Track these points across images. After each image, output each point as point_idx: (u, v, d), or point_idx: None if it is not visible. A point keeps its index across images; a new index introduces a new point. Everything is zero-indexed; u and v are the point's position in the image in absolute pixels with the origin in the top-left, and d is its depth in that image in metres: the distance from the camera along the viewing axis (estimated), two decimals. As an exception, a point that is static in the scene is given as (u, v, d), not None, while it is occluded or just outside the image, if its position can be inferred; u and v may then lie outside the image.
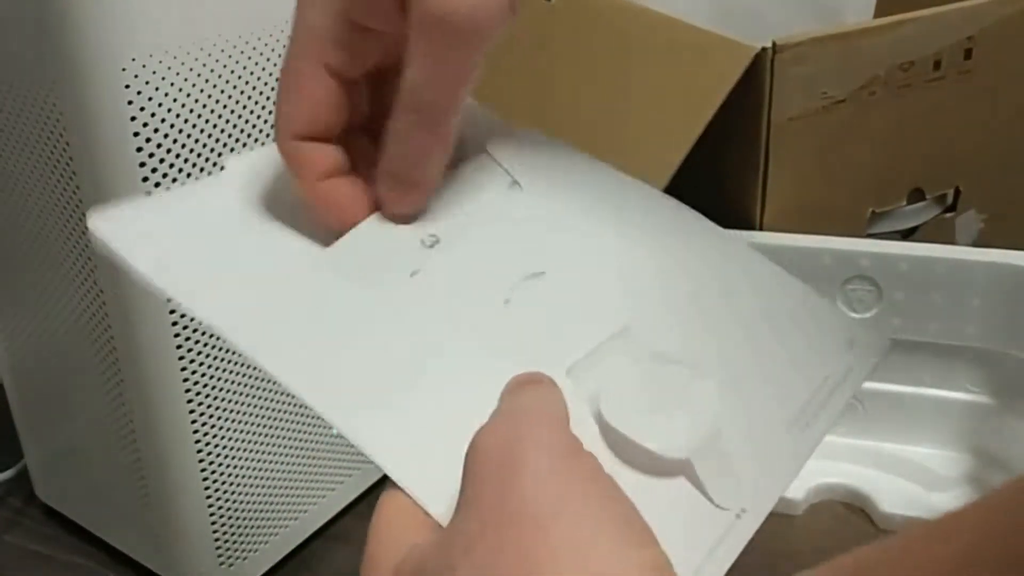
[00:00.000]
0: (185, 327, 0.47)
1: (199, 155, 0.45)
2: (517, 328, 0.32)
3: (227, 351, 0.49)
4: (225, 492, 0.52)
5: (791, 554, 0.57)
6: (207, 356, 0.48)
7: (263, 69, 0.46)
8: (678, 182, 0.63)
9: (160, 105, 0.43)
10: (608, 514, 0.25)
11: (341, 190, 0.33)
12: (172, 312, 0.46)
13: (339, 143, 0.34)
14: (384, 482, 0.29)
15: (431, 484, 0.28)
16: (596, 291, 0.34)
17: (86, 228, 0.45)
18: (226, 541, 0.53)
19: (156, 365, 0.47)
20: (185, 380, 0.48)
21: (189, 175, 0.45)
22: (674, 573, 0.25)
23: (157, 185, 0.44)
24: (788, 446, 0.31)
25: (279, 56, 0.47)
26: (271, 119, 0.48)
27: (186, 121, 0.44)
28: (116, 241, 0.32)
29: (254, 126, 0.47)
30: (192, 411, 0.49)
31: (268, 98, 0.47)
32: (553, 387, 0.29)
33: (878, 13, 0.82)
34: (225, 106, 0.45)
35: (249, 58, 0.46)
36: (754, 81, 0.61)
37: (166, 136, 0.43)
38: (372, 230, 0.34)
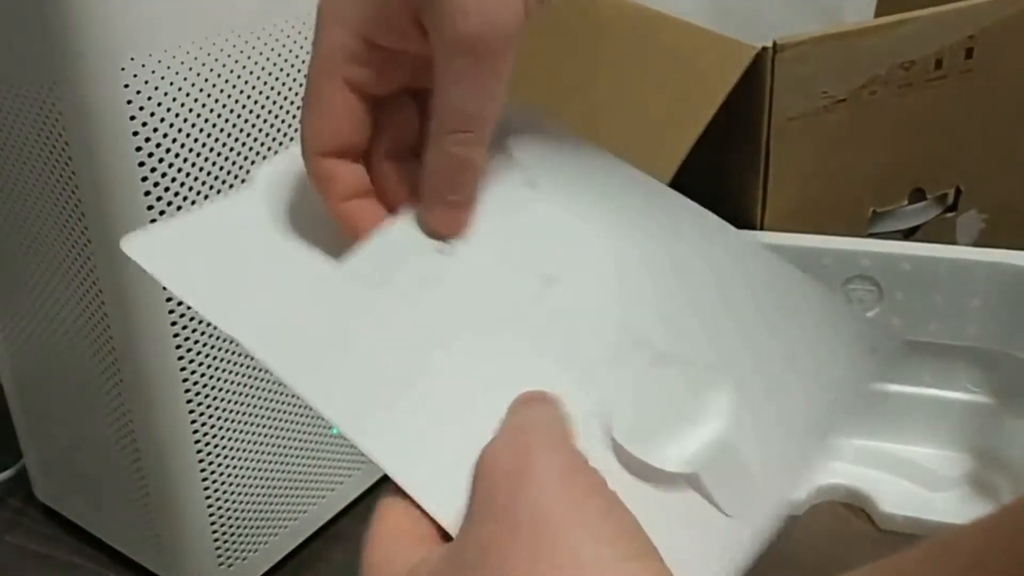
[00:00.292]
0: (184, 327, 0.47)
1: (198, 154, 0.45)
2: (529, 336, 0.32)
3: (226, 351, 0.49)
4: (225, 492, 0.52)
5: (791, 554, 0.57)
6: (206, 356, 0.48)
7: (263, 68, 0.46)
8: (679, 182, 0.63)
9: (159, 105, 0.43)
10: (611, 526, 0.26)
11: (364, 211, 0.33)
12: (171, 312, 0.46)
13: (393, 165, 0.34)
14: (383, 484, 0.29)
15: (441, 494, 0.28)
16: (610, 297, 0.33)
17: (86, 228, 0.45)
18: (226, 541, 0.53)
19: (155, 366, 0.47)
20: (184, 380, 0.48)
21: (188, 174, 0.45)
22: None
23: (156, 185, 0.44)
24: (804, 452, 0.31)
25: (278, 55, 0.47)
26: (271, 119, 0.48)
27: (185, 120, 0.44)
28: (149, 262, 0.33)
29: (253, 125, 0.47)
30: (192, 411, 0.49)
31: (268, 98, 0.47)
32: (557, 404, 0.30)
33: (879, 13, 0.82)
34: (224, 105, 0.45)
35: (248, 57, 0.46)
36: (755, 81, 0.61)
37: (165, 136, 0.43)
38: (389, 237, 0.34)
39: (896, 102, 0.64)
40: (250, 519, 0.54)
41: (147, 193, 0.43)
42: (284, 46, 0.47)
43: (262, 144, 0.48)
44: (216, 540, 0.53)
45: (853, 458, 0.61)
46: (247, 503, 0.53)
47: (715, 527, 0.29)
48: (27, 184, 0.48)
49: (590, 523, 0.26)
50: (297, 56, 0.48)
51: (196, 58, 0.43)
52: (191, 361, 0.48)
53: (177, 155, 0.44)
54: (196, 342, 0.48)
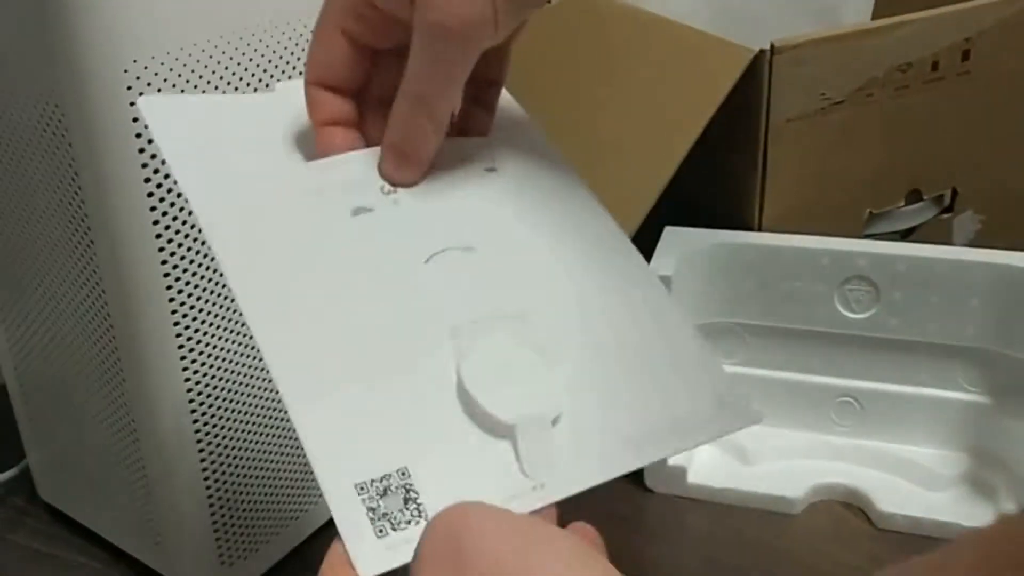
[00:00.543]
0: (187, 327, 0.47)
1: (201, 156, 0.45)
2: (423, 286, 0.37)
3: (229, 352, 0.49)
4: (225, 492, 0.52)
5: (789, 553, 0.57)
6: (208, 356, 0.49)
7: (263, 70, 0.47)
8: (678, 183, 0.63)
9: (162, 106, 0.43)
10: (555, 549, 0.29)
11: (338, 136, 0.38)
12: (174, 313, 0.46)
13: (380, 108, 0.39)
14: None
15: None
16: (511, 276, 0.38)
17: (88, 229, 0.45)
18: (226, 541, 0.53)
19: (158, 366, 0.47)
20: (187, 380, 0.48)
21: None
22: None
23: (159, 186, 0.44)
24: (615, 456, 0.35)
25: (280, 57, 0.47)
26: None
27: (188, 122, 0.44)
28: (156, 123, 0.38)
29: (255, 127, 0.47)
30: (193, 411, 0.49)
31: (269, 99, 0.48)
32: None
33: (876, 15, 0.82)
34: (226, 107, 0.46)
35: (250, 59, 0.46)
36: (753, 83, 0.61)
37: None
38: (347, 162, 0.39)
39: (893, 104, 0.65)
40: (250, 519, 0.54)
41: (150, 195, 0.44)
42: (286, 48, 0.47)
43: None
44: (216, 540, 0.53)
45: (851, 458, 0.62)
46: (247, 503, 0.53)
47: (509, 476, 0.33)
48: (30, 186, 0.48)
49: (537, 547, 0.29)
50: (299, 58, 0.48)
51: (199, 60, 0.44)
52: (193, 362, 0.48)
53: (179, 156, 0.44)
54: (199, 342, 0.48)
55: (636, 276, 0.41)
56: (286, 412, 0.33)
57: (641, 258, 0.41)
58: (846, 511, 0.59)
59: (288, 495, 0.56)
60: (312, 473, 0.32)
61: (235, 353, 0.50)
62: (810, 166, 0.65)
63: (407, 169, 0.38)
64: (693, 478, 0.60)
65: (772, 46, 0.60)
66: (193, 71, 0.44)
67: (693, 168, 0.63)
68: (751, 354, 0.63)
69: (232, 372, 0.50)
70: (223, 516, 0.52)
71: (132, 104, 0.42)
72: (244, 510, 0.53)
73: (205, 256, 0.47)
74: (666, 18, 0.67)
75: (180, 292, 0.46)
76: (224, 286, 0.48)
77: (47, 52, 0.42)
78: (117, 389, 0.50)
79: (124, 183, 0.43)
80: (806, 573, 0.55)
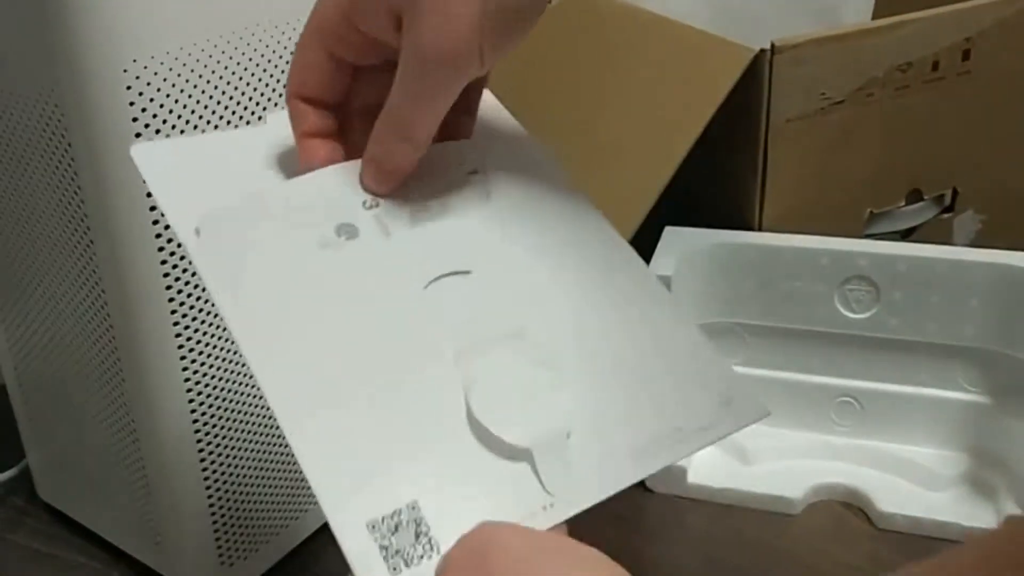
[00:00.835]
0: (187, 327, 0.47)
1: (201, 156, 0.45)
2: (421, 312, 0.36)
3: (228, 352, 0.49)
4: (225, 492, 0.52)
5: (790, 553, 0.57)
6: (208, 356, 0.49)
7: (263, 70, 0.47)
8: (678, 183, 0.63)
9: (161, 106, 0.43)
10: (568, 560, 0.31)
11: (320, 148, 0.39)
12: (173, 313, 0.46)
13: (363, 122, 0.39)
14: None
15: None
16: (506, 295, 0.38)
17: (88, 229, 0.45)
18: (226, 541, 0.53)
19: (158, 366, 0.47)
20: (187, 381, 0.48)
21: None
22: None
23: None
24: (624, 466, 0.35)
25: (279, 57, 0.47)
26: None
27: (187, 122, 0.44)
28: (149, 171, 0.38)
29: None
30: (193, 411, 0.49)
31: (268, 98, 0.48)
32: None
33: (876, 15, 0.82)
34: (226, 107, 0.46)
35: (250, 59, 0.46)
36: (753, 82, 0.61)
37: (167, 137, 0.44)
38: (328, 176, 0.38)
39: (893, 103, 0.65)
40: (250, 519, 0.54)
41: (149, 194, 0.44)
42: (286, 48, 0.47)
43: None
44: (216, 540, 0.53)
45: (851, 458, 0.62)
46: (247, 503, 0.53)
47: (530, 494, 0.33)
48: (30, 185, 0.48)
49: (555, 559, 0.30)
50: (298, 58, 0.48)
51: (198, 60, 0.44)
52: (193, 362, 0.48)
53: (179, 156, 0.44)
54: (198, 343, 0.48)
55: (631, 277, 0.40)
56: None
57: (633, 252, 0.41)
58: (846, 511, 0.59)
59: (288, 495, 0.56)
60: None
61: (235, 353, 0.50)
62: (810, 166, 0.65)
63: (386, 183, 0.39)
64: (693, 478, 0.60)
65: (772, 46, 0.60)
66: (193, 71, 0.44)
67: (693, 168, 0.63)
68: (751, 354, 0.63)
69: (232, 372, 0.50)
70: (223, 516, 0.53)
71: (131, 104, 0.42)
72: (244, 510, 0.53)
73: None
74: (666, 18, 0.67)
75: (180, 292, 0.46)
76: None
77: (47, 52, 0.42)
78: (117, 389, 0.50)
79: (124, 183, 0.43)
80: (806, 573, 0.55)
